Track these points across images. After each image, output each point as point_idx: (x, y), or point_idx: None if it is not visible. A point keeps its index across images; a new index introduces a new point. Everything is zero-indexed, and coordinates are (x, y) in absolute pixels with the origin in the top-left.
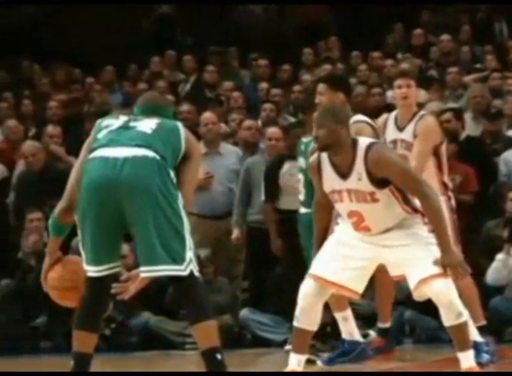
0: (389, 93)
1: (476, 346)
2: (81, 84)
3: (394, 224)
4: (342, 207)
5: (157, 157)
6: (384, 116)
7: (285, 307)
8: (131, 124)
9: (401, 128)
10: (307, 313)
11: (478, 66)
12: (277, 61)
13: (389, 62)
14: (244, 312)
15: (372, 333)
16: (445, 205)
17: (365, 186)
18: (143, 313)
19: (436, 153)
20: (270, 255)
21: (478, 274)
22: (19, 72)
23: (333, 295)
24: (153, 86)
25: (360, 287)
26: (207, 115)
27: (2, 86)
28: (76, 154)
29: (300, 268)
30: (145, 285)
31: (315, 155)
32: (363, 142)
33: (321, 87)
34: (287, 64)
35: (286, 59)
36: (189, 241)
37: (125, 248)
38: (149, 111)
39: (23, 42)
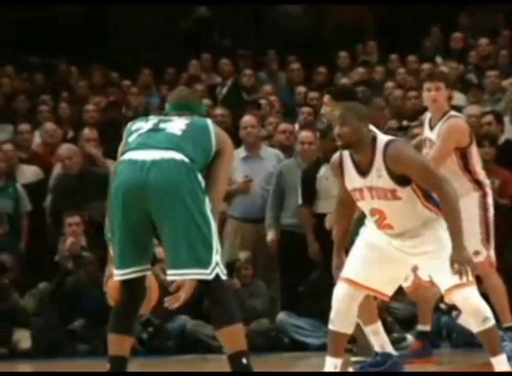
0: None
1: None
2: (119, 88)
3: (419, 224)
4: (364, 204)
5: (186, 159)
6: (426, 114)
7: (322, 311)
8: (161, 126)
9: (432, 128)
10: (341, 316)
11: None
12: (314, 64)
13: (426, 65)
14: (281, 316)
15: (409, 337)
16: (476, 201)
17: (386, 182)
18: (180, 317)
19: (462, 154)
20: (304, 259)
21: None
22: (57, 75)
23: (362, 309)
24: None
25: (390, 290)
26: (247, 118)
27: (41, 89)
28: (113, 158)
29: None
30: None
31: (337, 154)
32: (382, 138)
33: (326, 98)
34: (323, 67)
35: (323, 62)
36: (216, 245)
37: (161, 252)
38: (181, 108)
39: (62, 45)
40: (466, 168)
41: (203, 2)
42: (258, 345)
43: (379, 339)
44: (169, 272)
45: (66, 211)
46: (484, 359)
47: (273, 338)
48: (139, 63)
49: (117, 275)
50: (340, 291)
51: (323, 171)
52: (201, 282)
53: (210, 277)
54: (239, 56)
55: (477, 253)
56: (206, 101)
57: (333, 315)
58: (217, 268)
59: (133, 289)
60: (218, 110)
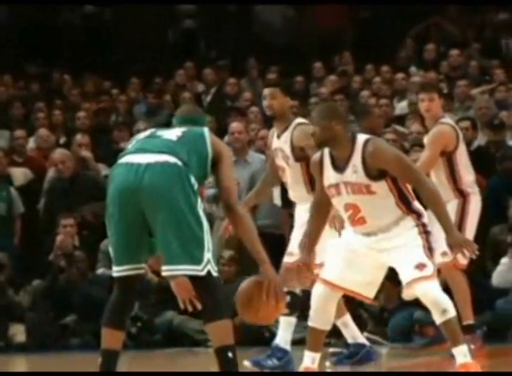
0: (401, 104)
1: (274, 349)
2: (110, 96)
3: (390, 221)
4: (338, 200)
5: (179, 163)
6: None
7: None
8: (158, 133)
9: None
10: (320, 314)
11: (487, 78)
12: (291, 73)
13: (400, 75)
14: None
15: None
16: (455, 207)
17: (361, 178)
18: (167, 312)
19: (448, 160)
20: (280, 259)
21: (485, 277)
22: (51, 83)
23: None
24: (177, 97)
25: (371, 292)
26: (235, 125)
27: (35, 96)
28: (104, 162)
29: None
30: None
31: (319, 153)
32: (362, 137)
33: (272, 90)
34: (300, 76)
35: (300, 72)
36: (208, 243)
37: None
38: (186, 122)
39: (58, 55)
40: (452, 175)
41: (189, 15)
42: (241, 339)
43: (350, 331)
44: (163, 268)
45: (59, 212)
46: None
47: (255, 332)
48: (129, 73)
49: (114, 271)
50: (317, 292)
51: None
52: (193, 278)
53: (203, 273)
54: (224, 65)
55: (444, 254)
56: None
57: (311, 313)
58: (208, 265)
59: (128, 286)
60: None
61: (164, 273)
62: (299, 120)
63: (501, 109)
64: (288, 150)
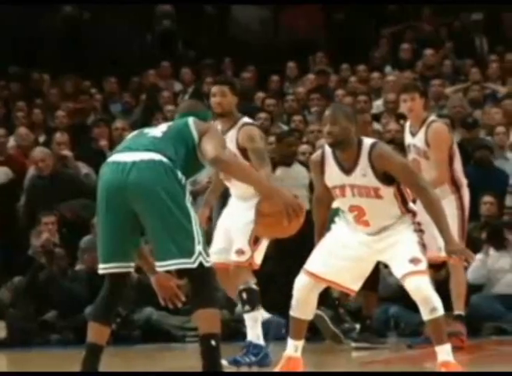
0: (376, 103)
1: (248, 346)
2: (89, 95)
3: (391, 222)
4: (343, 201)
5: (164, 159)
6: (406, 122)
7: (277, 302)
8: (146, 131)
9: (413, 134)
10: (302, 304)
11: (462, 78)
12: (267, 73)
13: (375, 74)
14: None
15: (358, 326)
16: (454, 203)
17: (371, 181)
18: (146, 308)
19: (449, 155)
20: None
21: None
22: (31, 83)
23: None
24: (154, 97)
25: (355, 286)
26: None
27: (16, 96)
28: (83, 160)
29: (288, 264)
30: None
31: (319, 151)
32: (368, 140)
33: (223, 88)
34: (276, 76)
35: (275, 72)
36: (198, 235)
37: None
38: (186, 117)
39: (39, 56)
40: (451, 168)
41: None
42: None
43: (257, 329)
44: (157, 264)
45: (39, 210)
46: (429, 348)
47: (233, 328)
48: (108, 73)
49: (99, 268)
50: (300, 282)
51: (278, 173)
52: (186, 270)
53: (194, 266)
54: (204, 65)
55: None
56: (171, 107)
57: (293, 302)
58: (200, 257)
59: (116, 283)
60: None
61: (157, 269)
62: (245, 119)
63: (475, 108)
64: (234, 149)
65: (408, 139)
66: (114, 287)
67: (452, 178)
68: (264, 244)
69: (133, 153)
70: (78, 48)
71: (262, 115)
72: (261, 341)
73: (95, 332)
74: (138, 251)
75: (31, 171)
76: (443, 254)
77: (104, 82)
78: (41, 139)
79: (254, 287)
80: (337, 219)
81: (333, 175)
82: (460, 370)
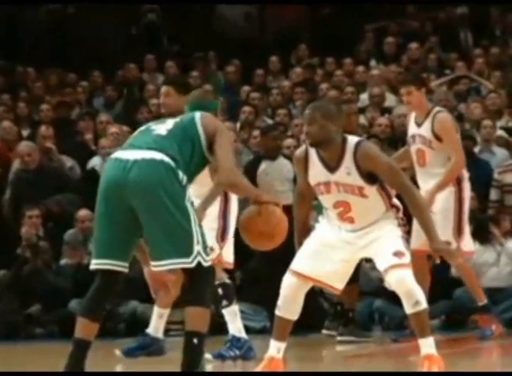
0: (361, 97)
1: (231, 340)
2: (73, 88)
3: (375, 219)
4: (329, 198)
5: (166, 159)
6: (409, 115)
7: (262, 296)
8: (152, 127)
9: (419, 124)
10: (288, 304)
11: (448, 72)
12: (252, 67)
13: (360, 68)
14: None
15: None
16: (453, 195)
17: (355, 180)
18: (131, 302)
19: None
20: (242, 249)
21: (445, 267)
22: (16, 76)
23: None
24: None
25: (340, 284)
26: None
27: (0, 89)
28: (67, 154)
29: (273, 260)
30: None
31: (303, 148)
32: (352, 139)
33: (168, 89)
34: (260, 70)
35: (259, 66)
36: (197, 235)
37: None
38: (195, 109)
39: (24, 49)
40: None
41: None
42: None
43: (239, 323)
44: (153, 264)
45: (24, 204)
46: (414, 341)
47: (217, 322)
48: (92, 66)
49: (93, 264)
50: (286, 282)
51: (263, 167)
52: (184, 270)
53: (192, 265)
54: (189, 59)
55: (447, 244)
56: (156, 101)
57: (279, 302)
58: (198, 256)
59: (107, 280)
60: None
61: (154, 269)
62: None
63: (460, 101)
64: None
65: (412, 129)
66: (105, 285)
67: None
68: (231, 241)
69: (136, 151)
70: (63, 41)
71: (247, 109)
72: (244, 334)
73: (83, 327)
74: (134, 250)
75: (16, 164)
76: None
77: (88, 76)
78: (26, 132)
79: (228, 281)
80: (320, 218)
81: (317, 172)
82: (443, 363)
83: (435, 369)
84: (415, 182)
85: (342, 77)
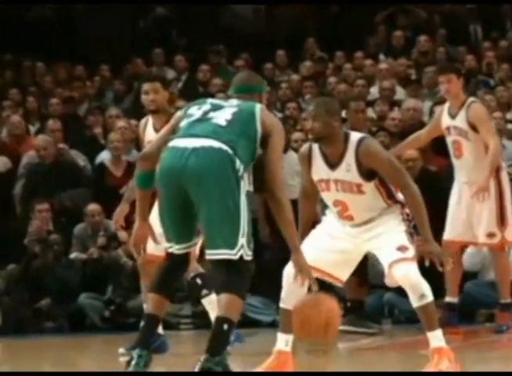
0: (371, 90)
1: None
2: (83, 82)
3: (376, 214)
4: (328, 195)
5: (224, 147)
6: (441, 107)
7: (272, 290)
8: (209, 115)
9: (453, 116)
10: (291, 295)
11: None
12: (260, 61)
13: (368, 62)
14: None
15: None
16: (492, 187)
17: (353, 177)
18: (140, 296)
19: None
20: (255, 242)
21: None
22: (24, 71)
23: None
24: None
25: (343, 275)
26: None
27: (9, 84)
28: (76, 148)
29: (282, 254)
30: None
31: (307, 145)
32: (355, 135)
33: (155, 85)
34: (269, 64)
35: (268, 60)
36: (244, 228)
37: (124, 235)
38: (241, 91)
39: (28, 41)
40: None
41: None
42: (211, 322)
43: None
44: (206, 252)
45: (37, 197)
46: (424, 335)
47: None
48: (101, 60)
49: (166, 247)
50: (289, 272)
51: None
52: (226, 261)
53: (236, 258)
54: (204, 51)
55: (491, 235)
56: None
57: (282, 294)
58: (242, 250)
59: (177, 261)
60: (181, 103)
61: (207, 257)
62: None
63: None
64: None
65: (446, 121)
66: (176, 265)
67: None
68: None
69: (194, 139)
70: (71, 35)
71: None
72: None
73: (154, 303)
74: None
75: (26, 158)
76: (479, 240)
77: (97, 70)
78: (36, 127)
79: (204, 271)
80: (327, 211)
81: (319, 168)
82: (453, 356)
83: (445, 361)
84: (416, 182)
85: (351, 71)
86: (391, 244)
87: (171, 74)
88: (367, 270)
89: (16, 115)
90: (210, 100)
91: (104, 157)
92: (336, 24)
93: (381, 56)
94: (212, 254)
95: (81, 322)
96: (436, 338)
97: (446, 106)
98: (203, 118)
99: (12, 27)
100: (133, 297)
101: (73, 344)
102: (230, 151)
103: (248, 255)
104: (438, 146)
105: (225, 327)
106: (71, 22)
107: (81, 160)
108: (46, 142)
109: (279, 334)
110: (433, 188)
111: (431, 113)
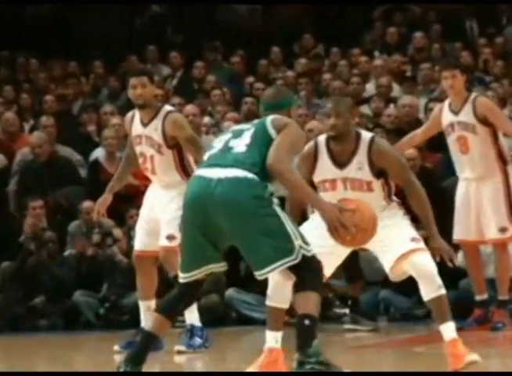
0: (367, 86)
1: (192, 330)
2: (77, 79)
3: (379, 211)
4: (333, 195)
5: (249, 175)
6: (439, 105)
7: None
8: (230, 144)
9: (456, 112)
10: (277, 292)
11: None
12: (256, 58)
13: (363, 58)
14: (230, 292)
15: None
16: (500, 183)
17: (365, 175)
18: (135, 293)
19: (494, 129)
20: None
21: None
22: (19, 67)
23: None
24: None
25: (327, 271)
26: (189, 108)
27: (2, 80)
28: (70, 145)
29: None
30: None
31: (312, 143)
32: (366, 134)
33: (142, 79)
34: (264, 60)
35: (263, 56)
36: (293, 231)
37: (118, 232)
38: (269, 108)
39: (23, 38)
40: (496, 143)
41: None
42: (206, 319)
43: (194, 311)
44: (259, 273)
45: (32, 195)
46: (420, 332)
47: (221, 312)
48: (96, 57)
49: (180, 277)
50: None
51: None
52: (292, 267)
53: (297, 261)
54: (200, 48)
55: (504, 229)
56: (159, 91)
57: (268, 291)
58: (301, 250)
59: (190, 289)
60: (175, 100)
61: (260, 278)
62: (168, 107)
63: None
64: (159, 138)
65: (448, 117)
66: (188, 292)
67: (498, 154)
68: None
69: (219, 170)
70: (66, 32)
71: (248, 99)
72: (199, 323)
73: (157, 323)
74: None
75: (21, 155)
76: (491, 236)
77: (91, 67)
78: (30, 124)
79: None
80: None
81: (324, 168)
82: (463, 346)
83: (467, 352)
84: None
85: (346, 68)
86: (403, 235)
87: (165, 70)
88: (361, 267)
89: (10, 112)
90: (232, 128)
91: (98, 154)
92: (332, 21)
93: (376, 53)
94: (273, 269)
95: (75, 319)
96: (449, 329)
97: (446, 103)
98: (225, 149)
99: (7, 25)
100: (128, 294)
101: (67, 341)
102: (254, 177)
103: (309, 251)
104: (431, 143)
105: (307, 322)
106: (66, 19)
107: (74, 157)
108: (41, 140)
109: (267, 332)
110: (430, 185)
111: (427, 109)
